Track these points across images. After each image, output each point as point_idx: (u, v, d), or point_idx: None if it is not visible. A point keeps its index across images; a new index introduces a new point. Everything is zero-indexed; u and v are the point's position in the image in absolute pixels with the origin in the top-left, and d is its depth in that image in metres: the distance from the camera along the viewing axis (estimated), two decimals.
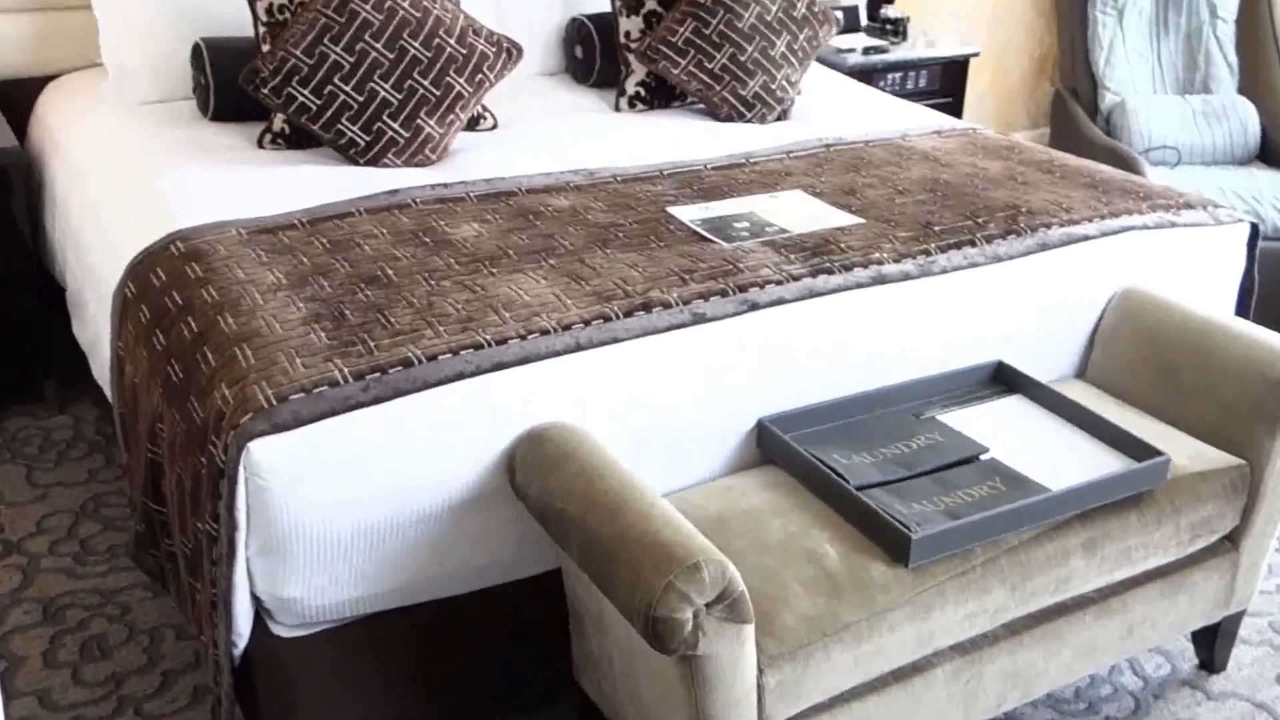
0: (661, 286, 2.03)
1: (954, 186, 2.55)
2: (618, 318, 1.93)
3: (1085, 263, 2.33)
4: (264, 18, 2.67)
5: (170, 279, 2.07)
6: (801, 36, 3.09)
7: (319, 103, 2.55)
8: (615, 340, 1.89)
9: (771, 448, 2.01)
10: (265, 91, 2.54)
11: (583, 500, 1.67)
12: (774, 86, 3.03)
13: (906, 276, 2.15)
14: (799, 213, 2.38)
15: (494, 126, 2.91)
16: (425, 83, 2.61)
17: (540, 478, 1.74)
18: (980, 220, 2.36)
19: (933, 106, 3.64)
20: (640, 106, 3.11)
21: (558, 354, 1.85)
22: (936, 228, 2.32)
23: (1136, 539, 1.96)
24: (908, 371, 2.16)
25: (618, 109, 3.11)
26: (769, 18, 3.03)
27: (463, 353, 1.81)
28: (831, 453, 1.96)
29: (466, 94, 2.67)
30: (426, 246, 2.16)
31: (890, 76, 3.85)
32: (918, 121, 3.06)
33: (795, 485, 1.94)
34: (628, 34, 3.10)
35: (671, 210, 2.37)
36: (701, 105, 3.11)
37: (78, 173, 2.72)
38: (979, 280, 2.22)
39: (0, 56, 3.11)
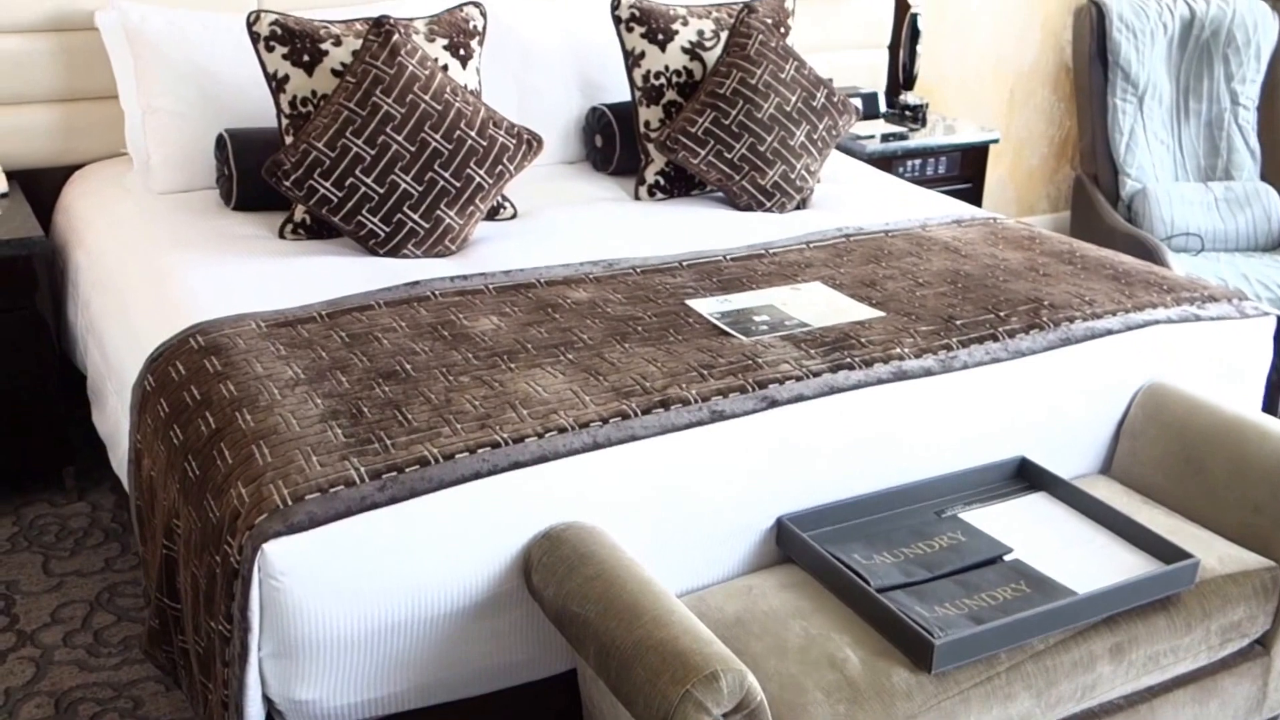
0: (680, 383, 2.01)
1: (975, 278, 2.54)
2: (636, 415, 1.92)
3: (1109, 357, 2.31)
4: (287, 110, 2.70)
5: (189, 373, 2.07)
6: (821, 126, 3.10)
7: (340, 194, 2.57)
8: (633, 438, 1.88)
9: (791, 547, 1.98)
10: (287, 184, 2.56)
11: (599, 604, 1.64)
12: (793, 176, 3.04)
13: (928, 372, 2.14)
14: (819, 305, 2.37)
15: (513, 216, 2.92)
16: (446, 175, 2.63)
17: (556, 580, 1.72)
18: (1002, 314, 2.34)
19: (952, 192, 3.66)
20: (660, 195, 3.12)
21: (575, 453, 1.83)
22: (958, 321, 2.30)
23: (1165, 644, 1.91)
24: (930, 468, 2.13)
25: (637, 198, 3.12)
26: (788, 108, 3.05)
27: (480, 451, 1.80)
28: (853, 552, 1.93)
29: (487, 185, 2.69)
30: (445, 340, 2.16)
31: (910, 163, 3.87)
32: (938, 210, 3.06)
33: (816, 585, 1.91)
34: (647, 124, 3.12)
35: (691, 303, 2.37)
36: (721, 194, 3.12)
37: (100, 263, 2.74)
38: (1001, 376, 2.20)
39: (27, 146, 3.14)
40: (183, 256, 2.56)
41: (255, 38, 2.71)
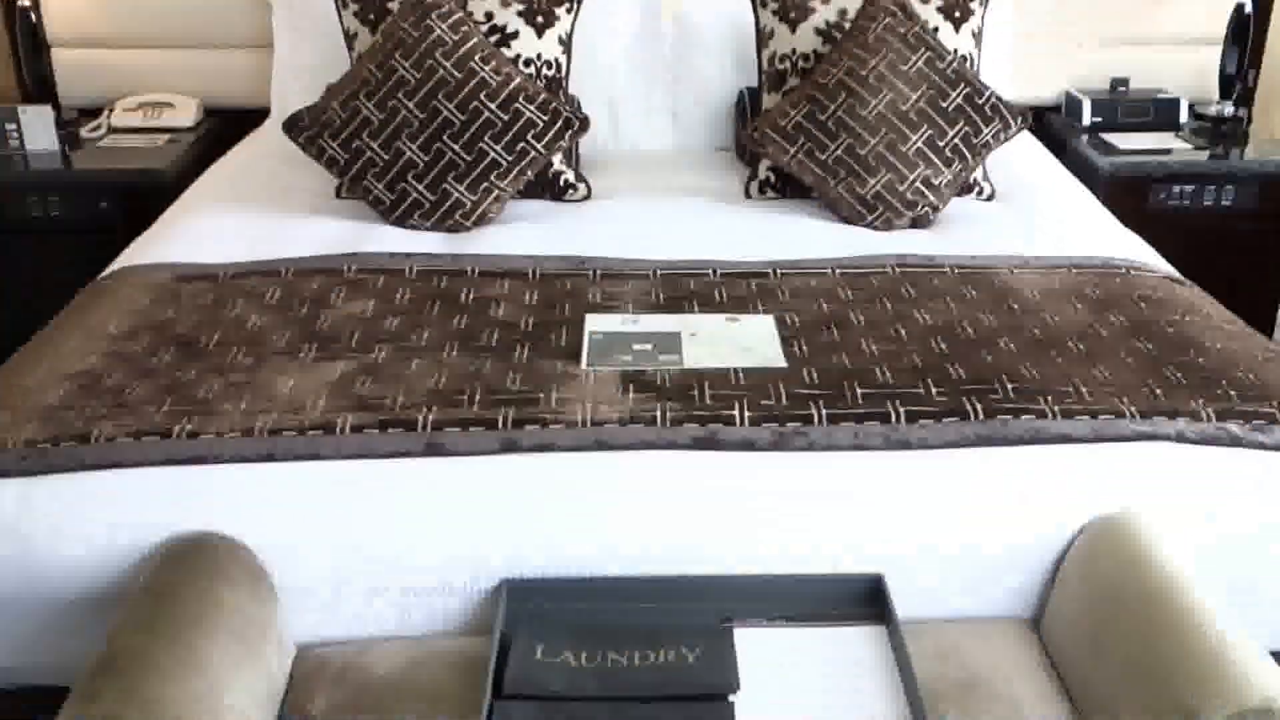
0: (430, 404, 1.76)
1: (968, 342, 1.98)
2: (341, 432, 1.70)
3: (1062, 471, 1.71)
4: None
5: (78, 304, 2.14)
6: (952, 133, 2.56)
7: (346, 157, 2.51)
8: (316, 457, 1.67)
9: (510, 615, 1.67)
10: (300, 141, 2.55)
11: None
12: (902, 188, 2.53)
13: (749, 445, 1.70)
14: (729, 345, 1.96)
15: (585, 198, 2.70)
16: (455, 147, 2.48)
17: None
18: (936, 390, 1.81)
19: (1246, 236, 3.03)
20: (771, 195, 2.74)
21: (242, 460, 1.66)
22: (861, 389, 1.81)
23: None
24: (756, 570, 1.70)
25: (748, 195, 2.76)
26: (904, 107, 2.54)
27: (145, 439, 1.68)
28: (540, 641, 1.59)
29: (505, 162, 2.50)
30: (287, 318, 2.05)
31: (1176, 189, 3.08)
32: (1079, 249, 2.41)
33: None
34: (768, 112, 2.75)
35: (590, 318, 2.06)
36: None
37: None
38: (871, 468, 1.70)
39: (228, 85, 3.37)
40: (218, 201, 2.63)
41: None
